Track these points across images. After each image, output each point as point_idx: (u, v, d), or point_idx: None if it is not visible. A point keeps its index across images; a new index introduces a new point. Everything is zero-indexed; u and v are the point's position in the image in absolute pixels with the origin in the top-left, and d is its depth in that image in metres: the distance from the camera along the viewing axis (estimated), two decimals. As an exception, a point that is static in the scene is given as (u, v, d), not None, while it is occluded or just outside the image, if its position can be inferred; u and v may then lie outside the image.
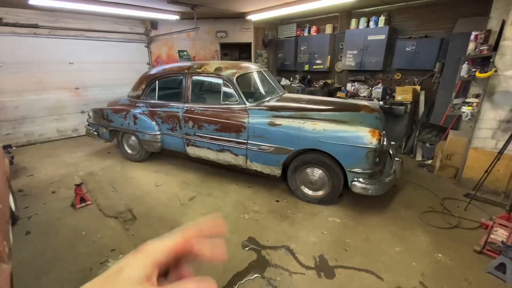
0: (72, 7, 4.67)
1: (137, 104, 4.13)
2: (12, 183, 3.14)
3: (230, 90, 3.40)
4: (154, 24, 6.48)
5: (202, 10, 5.32)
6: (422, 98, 4.83)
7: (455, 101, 3.61)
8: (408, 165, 4.21)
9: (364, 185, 2.75)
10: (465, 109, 3.42)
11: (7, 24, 4.80)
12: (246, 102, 3.35)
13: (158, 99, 3.96)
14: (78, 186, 3.21)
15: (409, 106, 4.56)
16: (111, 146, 5.23)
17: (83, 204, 3.19)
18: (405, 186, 3.58)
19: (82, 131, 5.62)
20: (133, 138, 4.32)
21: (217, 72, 3.46)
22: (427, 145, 4.40)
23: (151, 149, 4.10)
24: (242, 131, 3.26)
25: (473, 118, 3.39)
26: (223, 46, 7.26)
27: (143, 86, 4.08)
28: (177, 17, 5.64)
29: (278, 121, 3.10)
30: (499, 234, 2.40)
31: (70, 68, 5.72)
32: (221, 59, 7.19)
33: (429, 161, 4.23)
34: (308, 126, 2.92)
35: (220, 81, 3.45)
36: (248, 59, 7.21)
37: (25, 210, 3.08)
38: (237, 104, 3.37)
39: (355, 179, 2.79)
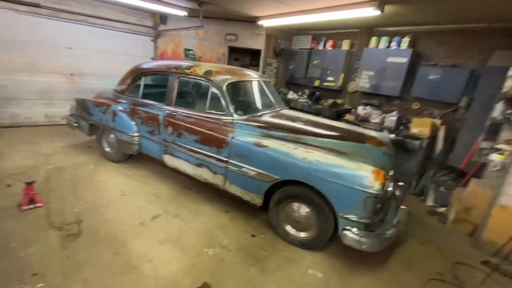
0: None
1: (119, 100, 3.73)
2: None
3: (218, 97, 2.94)
4: (163, 18, 6.17)
5: (210, 9, 4.95)
6: (441, 134, 4.22)
7: (483, 144, 3.02)
8: (416, 209, 3.60)
9: (357, 237, 2.19)
10: (495, 156, 2.82)
11: (6, 0, 4.56)
12: (234, 114, 2.87)
13: (142, 97, 3.54)
14: (29, 184, 2.79)
15: (425, 141, 3.97)
16: (93, 140, 4.84)
17: (31, 206, 2.76)
18: (410, 237, 2.98)
19: (70, 119, 5.29)
20: (112, 135, 3.90)
21: (206, 76, 3.01)
22: (442, 189, 3.78)
23: (127, 151, 3.66)
24: (224, 147, 2.77)
25: (503, 169, 2.78)
26: (234, 50, 6.87)
27: (129, 81, 3.68)
28: (185, 13, 5.28)
29: (265, 141, 2.59)
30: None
31: (68, 53, 5.44)
32: (229, 64, 6.79)
33: (442, 209, 3.61)
34: (299, 153, 2.39)
35: (208, 86, 3.00)
36: (258, 67, 6.78)
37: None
38: (224, 115, 2.89)
39: (348, 227, 2.24)
